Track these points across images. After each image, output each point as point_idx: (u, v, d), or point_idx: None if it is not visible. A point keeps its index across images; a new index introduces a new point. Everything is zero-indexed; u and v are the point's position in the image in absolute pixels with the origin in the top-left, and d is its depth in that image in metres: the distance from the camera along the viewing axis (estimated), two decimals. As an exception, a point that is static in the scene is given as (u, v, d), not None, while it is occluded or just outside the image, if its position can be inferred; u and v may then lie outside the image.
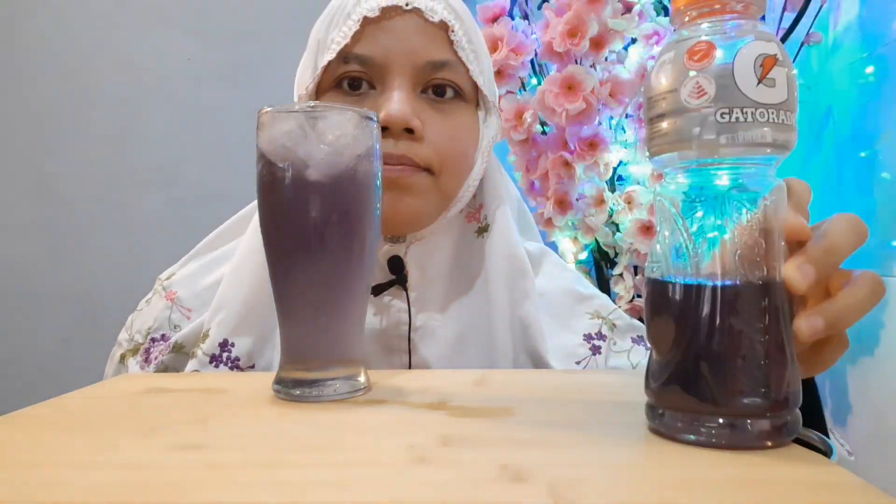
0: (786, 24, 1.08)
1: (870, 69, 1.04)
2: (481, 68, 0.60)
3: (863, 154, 1.05)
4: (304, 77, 0.60)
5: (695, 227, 0.33)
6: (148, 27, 1.62)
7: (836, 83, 1.13)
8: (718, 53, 0.31)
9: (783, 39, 1.08)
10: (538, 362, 0.59)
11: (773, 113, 0.31)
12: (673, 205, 0.34)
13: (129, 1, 1.62)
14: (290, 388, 0.43)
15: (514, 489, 0.27)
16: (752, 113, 0.31)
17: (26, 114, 1.62)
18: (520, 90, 1.13)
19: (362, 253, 0.44)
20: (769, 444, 0.32)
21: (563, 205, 1.09)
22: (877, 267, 1.00)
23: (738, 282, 0.32)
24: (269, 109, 0.43)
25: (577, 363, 0.60)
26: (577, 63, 1.03)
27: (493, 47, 1.06)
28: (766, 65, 0.31)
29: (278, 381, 0.44)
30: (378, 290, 0.59)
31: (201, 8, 1.62)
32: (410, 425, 0.37)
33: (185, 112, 1.62)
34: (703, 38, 0.32)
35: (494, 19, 1.09)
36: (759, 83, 0.31)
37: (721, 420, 0.31)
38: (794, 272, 0.32)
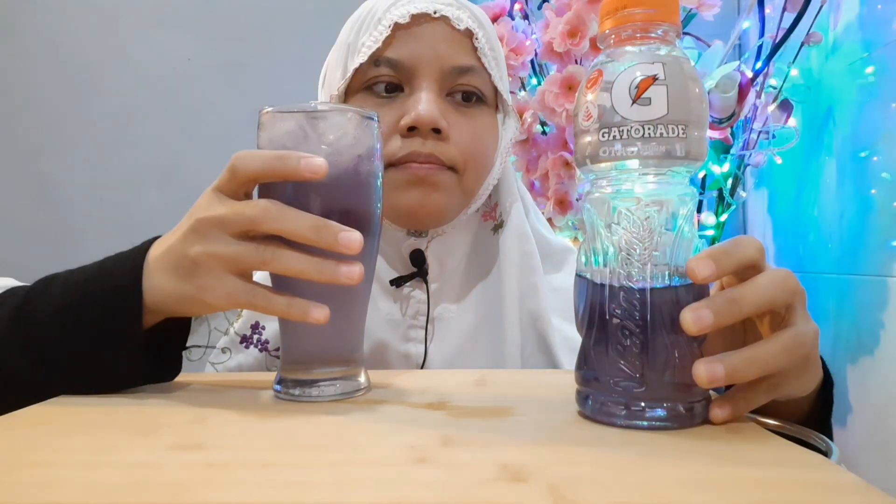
0: (786, 24, 1.08)
1: (870, 69, 1.04)
2: (501, 74, 0.63)
3: (863, 154, 1.05)
4: (335, 79, 0.62)
5: (603, 231, 0.36)
6: (148, 27, 1.61)
7: (836, 83, 1.13)
8: (603, 79, 0.35)
9: (783, 39, 1.08)
10: (547, 354, 0.61)
11: (649, 128, 0.34)
12: (591, 212, 0.37)
13: (129, 1, 1.62)
14: (290, 388, 0.43)
15: (514, 489, 0.27)
16: (627, 130, 0.34)
17: (25, 114, 1.62)
18: (520, 90, 1.13)
19: (363, 253, 0.44)
20: (672, 426, 0.35)
21: (563, 205, 1.10)
22: (877, 267, 1.00)
23: (626, 279, 0.35)
24: (269, 109, 0.43)
25: None
26: (577, 63, 1.03)
27: (493, 47, 1.06)
28: (641, 86, 0.34)
29: (278, 381, 0.44)
30: (399, 281, 0.62)
31: (201, 8, 1.62)
32: (410, 425, 0.37)
33: (185, 112, 1.61)
34: (599, 65, 0.36)
35: (494, 19, 1.09)
36: (633, 103, 0.34)
37: (619, 402, 0.35)
38: (686, 314, 0.34)
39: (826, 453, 0.35)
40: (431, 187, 0.58)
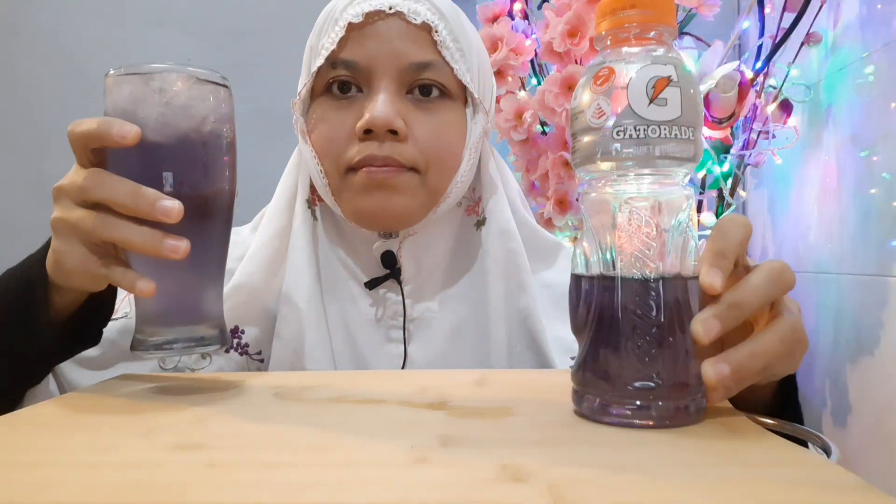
0: (786, 24, 1.08)
1: (870, 69, 1.04)
2: (468, 66, 0.60)
3: (863, 154, 1.05)
4: (300, 82, 0.62)
5: (606, 231, 0.37)
6: (148, 27, 1.61)
7: (836, 83, 1.13)
8: (616, 77, 0.35)
9: (783, 39, 1.08)
10: (538, 353, 0.61)
11: (665, 129, 0.34)
12: (589, 210, 0.38)
13: (129, 1, 1.62)
14: (147, 350, 0.44)
15: (514, 489, 0.27)
16: (644, 130, 0.34)
17: (27, 113, 1.62)
18: (520, 90, 1.13)
19: (207, 212, 0.44)
20: (675, 423, 0.35)
21: (563, 205, 1.10)
22: (877, 267, 1.00)
23: (635, 278, 0.35)
24: (112, 73, 0.44)
25: (572, 358, 0.60)
26: (577, 63, 1.03)
27: (493, 47, 1.06)
28: (658, 86, 0.34)
29: (135, 343, 0.44)
30: (373, 283, 0.62)
31: (201, 8, 1.62)
32: (410, 425, 0.37)
33: (185, 112, 1.61)
34: (608, 63, 0.36)
35: (494, 19, 1.09)
36: (650, 103, 0.34)
37: (622, 402, 0.35)
38: (696, 326, 0.35)
39: (826, 451, 0.35)
40: (391, 190, 0.57)
